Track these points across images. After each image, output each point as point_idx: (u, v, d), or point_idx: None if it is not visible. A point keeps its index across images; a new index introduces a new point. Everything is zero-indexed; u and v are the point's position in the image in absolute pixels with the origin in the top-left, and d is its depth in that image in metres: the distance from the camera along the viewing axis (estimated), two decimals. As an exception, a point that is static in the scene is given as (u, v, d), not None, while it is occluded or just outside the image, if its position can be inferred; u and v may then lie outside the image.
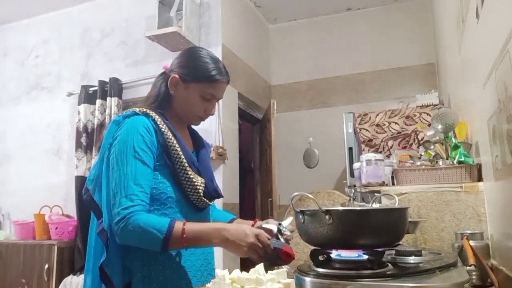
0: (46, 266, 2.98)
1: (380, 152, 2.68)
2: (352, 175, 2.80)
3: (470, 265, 1.21)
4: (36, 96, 3.87)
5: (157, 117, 1.15)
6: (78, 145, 3.35)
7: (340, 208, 1.00)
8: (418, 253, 1.05)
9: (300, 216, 1.01)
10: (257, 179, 4.12)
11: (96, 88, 3.41)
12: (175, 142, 1.14)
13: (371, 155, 2.12)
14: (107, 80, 3.38)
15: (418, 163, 1.87)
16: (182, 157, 1.13)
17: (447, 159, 1.82)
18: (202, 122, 1.28)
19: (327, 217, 0.93)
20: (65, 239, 3.16)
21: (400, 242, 1.14)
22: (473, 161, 1.72)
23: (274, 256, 1.02)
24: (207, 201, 1.19)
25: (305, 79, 4.28)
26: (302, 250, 1.81)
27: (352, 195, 2.08)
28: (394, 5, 4.04)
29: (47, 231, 3.24)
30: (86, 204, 1.15)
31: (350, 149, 3.21)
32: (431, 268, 0.92)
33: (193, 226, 1.03)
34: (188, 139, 1.29)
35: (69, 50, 3.81)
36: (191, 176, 1.14)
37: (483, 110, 1.40)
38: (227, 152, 3.11)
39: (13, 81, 4.00)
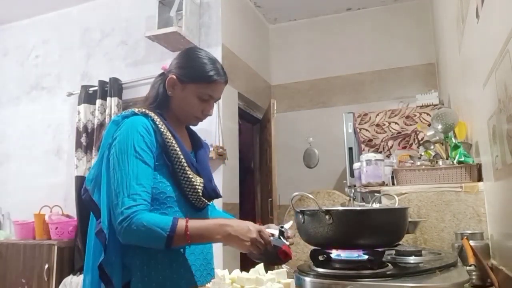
0: (46, 266, 2.98)
1: (380, 152, 2.68)
2: (352, 175, 2.80)
3: (470, 265, 1.21)
4: (36, 96, 3.87)
5: (156, 117, 1.15)
6: (78, 145, 3.35)
7: (340, 208, 1.00)
8: (418, 253, 1.05)
9: (300, 216, 1.01)
10: (257, 179, 4.12)
11: (96, 88, 3.41)
12: (174, 142, 1.14)
13: (371, 155, 2.12)
14: (107, 80, 3.38)
15: (418, 163, 1.87)
16: (181, 157, 1.14)
17: (447, 159, 1.82)
18: (201, 122, 1.28)
19: (327, 217, 0.93)
20: (65, 239, 3.16)
21: (400, 242, 1.13)
22: (473, 161, 1.72)
23: (272, 255, 1.03)
24: (206, 201, 1.19)
25: (305, 79, 4.28)
26: (302, 250, 1.81)
27: (352, 195, 2.08)
28: (394, 5, 4.04)
29: (47, 231, 3.24)
30: (85, 203, 1.15)
31: (350, 149, 3.21)
32: (431, 268, 0.92)
33: (196, 223, 1.04)
34: (186, 140, 1.30)
35: (69, 50, 3.81)
36: (190, 176, 1.14)
37: (483, 110, 1.40)
38: (227, 152, 3.11)
39: (13, 81, 4.00)
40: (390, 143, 2.83)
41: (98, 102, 3.37)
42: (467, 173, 1.70)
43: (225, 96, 1.34)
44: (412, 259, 1.02)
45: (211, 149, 2.85)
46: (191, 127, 1.35)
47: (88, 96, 3.44)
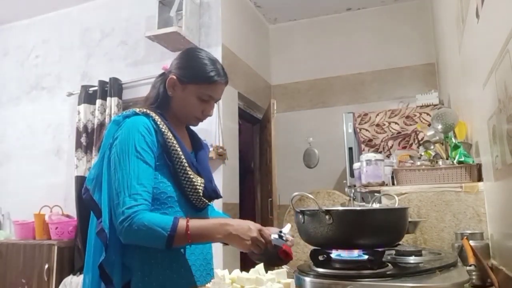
0: (46, 266, 2.98)
1: (380, 152, 2.68)
2: (352, 175, 2.80)
3: (470, 265, 1.21)
4: (36, 96, 3.87)
5: (157, 117, 1.15)
6: (78, 145, 3.35)
7: (340, 208, 1.00)
8: (418, 253, 1.05)
9: (300, 216, 1.00)
10: (257, 179, 4.12)
11: (96, 88, 3.41)
12: (175, 142, 1.14)
13: (371, 155, 2.12)
14: (107, 80, 3.38)
15: (418, 163, 1.87)
16: (182, 157, 1.14)
17: (447, 159, 1.81)
18: (201, 122, 1.28)
19: (327, 217, 0.93)
20: (65, 239, 3.16)
21: (400, 242, 1.13)
22: (473, 161, 1.72)
23: (273, 255, 1.03)
24: (206, 201, 1.19)
25: (305, 79, 4.28)
26: (302, 250, 1.81)
27: (352, 195, 2.08)
28: (394, 5, 4.04)
29: (47, 231, 3.24)
30: (86, 203, 1.15)
31: (350, 149, 3.21)
32: (431, 268, 0.92)
33: (196, 223, 1.05)
34: (187, 140, 1.30)
35: (69, 50, 3.81)
36: (191, 176, 1.14)
37: (483, 110, 1.40)
38: (227, 152, 3.11)
39: (13, 81, 4.00)
40: (390, 143, 2.83)
41: (98, 102, 3.37)
42: (467, 173, 1.70)
43: (225, 96, 1.34)
44: (412, 259, 1.02)
45: (211, 149, 2.85)
46: (191, 127, 1.35)
47: (88, 96, 3.44)
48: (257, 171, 4.15)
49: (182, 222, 1.02)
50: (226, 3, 3.41)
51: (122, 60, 3.56)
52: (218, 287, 0.85)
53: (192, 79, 1.19)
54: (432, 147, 1.92)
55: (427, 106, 2.88)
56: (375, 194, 1.85)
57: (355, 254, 0.98)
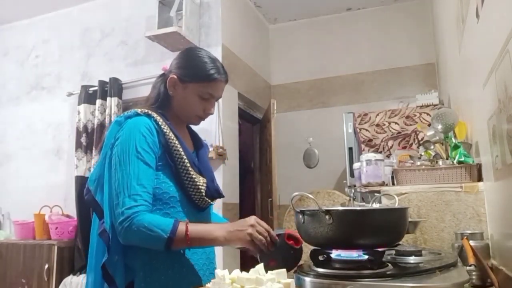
0: (46, 266, 2.98)
1: (380, 152, 2.68)
2: (352, 175, 2.80)
3: (470, 265, 1.21)
4: (36, 96, 3.87)
5: (158, 118, 1.16)
6: (78, 145, 3.35)
7: (340, 208, 1.00)
8: (418, 253, 1.05)
9: (300, 216, 1.00)
10: (257, 179, 4.12)
11: (96, 88, 3.41)
12: (177, 142, 1.15)
13: (371, 155, 2.12)
14: (107, 80, 3.38)
15: (418, 163, 1.87)
16: (184, 157, 1.14)
17: (447, 159, 1.81)
18: (202, 122, 1.28)
19: (327, 217, 0.93)
20: (65, 239, 3.16)
21: (400, 242, 1.13)
22: (473, 161, 1.72)
23: (283, 247, 1.03)
24: (209, 200, 1.20)
25: (305, 79, 4.28)
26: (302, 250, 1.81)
27: (352, 195, 2.07)
28: (394, 5, 4.04)
29: (47, 231, 3.24)
30: (88, 204, 1.15)
31: (350, 149, 3.21)
32: (431, 268, 0.92)
33: (196, 226, 1.05)
34: (188, 140, 1.30)
35: (69, 50, 3.81)
36: (193, 176, 1.14)
37: (483, 110, 1.40)
38: (227, 152, 3.11)
39: (13, 81, 4.00)
40: (390, 143, 2.83)
41: (98, 102, 3.37)
42: (467, 173, 1.70)
43: (225, 96, 1.34)
44: (412, 259, 1.02)
45: (211, 149, 2.85)
46: (192, 127, 1.35)
47: (88, 96, 3.44)
48: (257, 171, 4.15)
49: (182, 225, 1.03)
50: (226, 3, 3.41)
51: (122, 60, 3.56)
52: (218, 287, 0.85)
53: (193, 77, 1.19)
54: (432, 147, 1.92)
55: (427, 106, 2.88)
56: (375, 194, 1.85)
57: (355, 254, 0.98)
